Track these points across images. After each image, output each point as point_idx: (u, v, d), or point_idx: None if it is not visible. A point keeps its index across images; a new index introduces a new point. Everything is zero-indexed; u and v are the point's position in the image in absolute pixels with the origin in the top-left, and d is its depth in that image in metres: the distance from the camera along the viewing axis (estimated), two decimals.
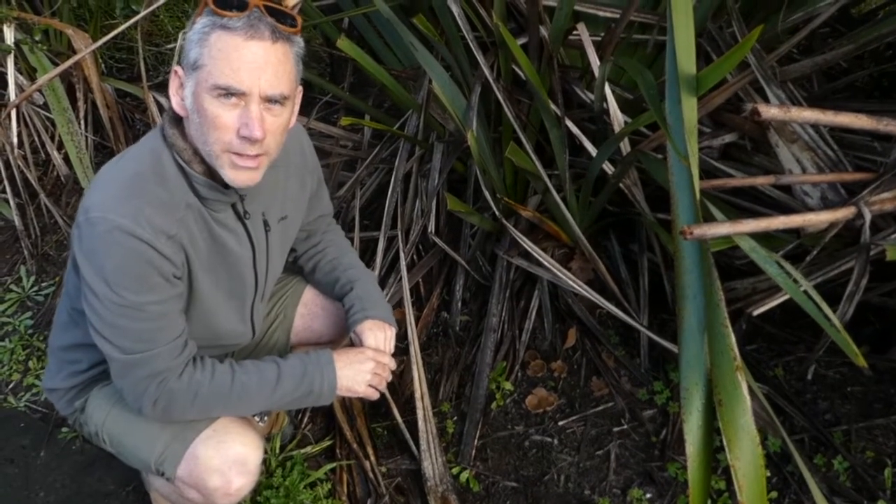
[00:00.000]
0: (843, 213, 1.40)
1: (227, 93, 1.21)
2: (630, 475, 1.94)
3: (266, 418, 2.07)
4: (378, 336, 1.60)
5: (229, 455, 1.43)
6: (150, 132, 1.38)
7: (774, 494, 1.82)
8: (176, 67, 1.28)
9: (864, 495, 1.78)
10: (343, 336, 1.83)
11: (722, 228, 1.28)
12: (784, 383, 2.06)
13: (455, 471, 1.98)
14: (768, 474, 1.85)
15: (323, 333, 1.81)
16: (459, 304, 2.31)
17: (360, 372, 1.51)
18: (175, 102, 1.29)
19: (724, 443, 1.32)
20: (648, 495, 1.88)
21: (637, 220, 2.25)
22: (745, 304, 1.86)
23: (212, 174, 1.32)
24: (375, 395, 1.55)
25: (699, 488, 1.38)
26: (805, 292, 1.26)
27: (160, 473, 1.47)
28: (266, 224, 1.48)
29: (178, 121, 1.31)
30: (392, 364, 1.58)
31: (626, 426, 2.03)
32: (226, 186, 1.33)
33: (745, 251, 1.33)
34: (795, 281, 1.28)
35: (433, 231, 2.33)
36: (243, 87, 1.21)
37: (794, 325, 2.17)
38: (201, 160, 1.30)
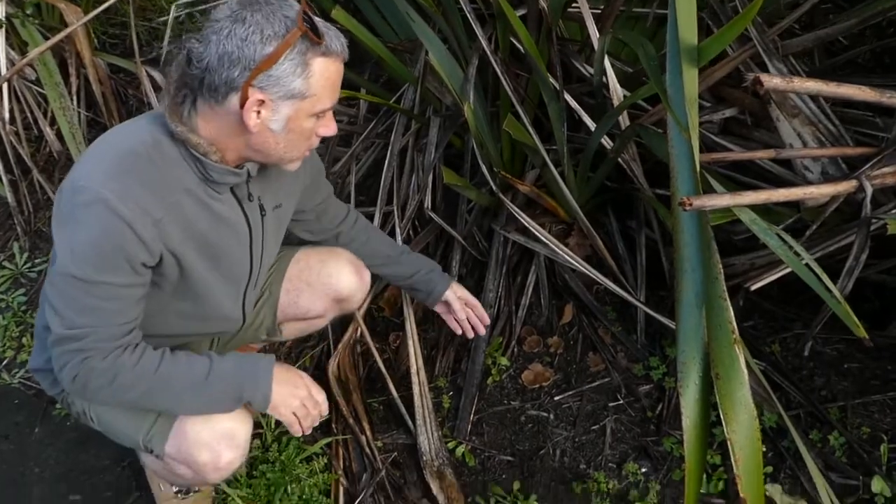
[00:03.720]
0: (845, 187, 1.39)
1: (324, 111, 1.31)
2: (625, 450, 1.94)
3: None
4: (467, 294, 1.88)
5: (217, 429, 1.41)
6: (147, 116, 1.36)
7: (769, 469, 1.82)
8: (260, 95, 1.24)
9: (860, 471, 1.79)
10: (329, 312, 1.82)
11: (722, 200, 1.27)
12: (781, 359, 2.06)
13: (451, 445, 1.98)
14: (764, 449, 1.85)
15: (309, 309, 1.79)
16: (456, 280, 2.29)
17: (291, 396, 1.45)
18: (251, 122, 1.26)
19: (721, 417, 1.32)
20: (644, 469, 1.88)
21: (635, 195, 2.23)
22: (742, 280, 1.85)
23: (224, 160, 1.32)
24: (297, 429, 1.48)
25: (695, 462, 1.37)
26: (806, 265, 1.25)
27: (149, 451, 1.46)
28: (262, 209, 1.47)
29: (180, 117, 1.30)
30: (324, 408, 1.51)
31: (621, 401, 2.03)
32: (238, 167, 1.34)
33: (746, 223, 1.32)
34: (797, 254, 1.27)
35: (429, 206, 2.31)
36: (336, 101, 1.31)
37: (791, 302, 2.16)
38: (216, 150, 1.30)
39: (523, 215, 2.06)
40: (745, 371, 1.31)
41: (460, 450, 1.97)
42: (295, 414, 1.45)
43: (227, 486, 1.86)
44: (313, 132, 1.33)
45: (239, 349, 1.95)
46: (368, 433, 2.01)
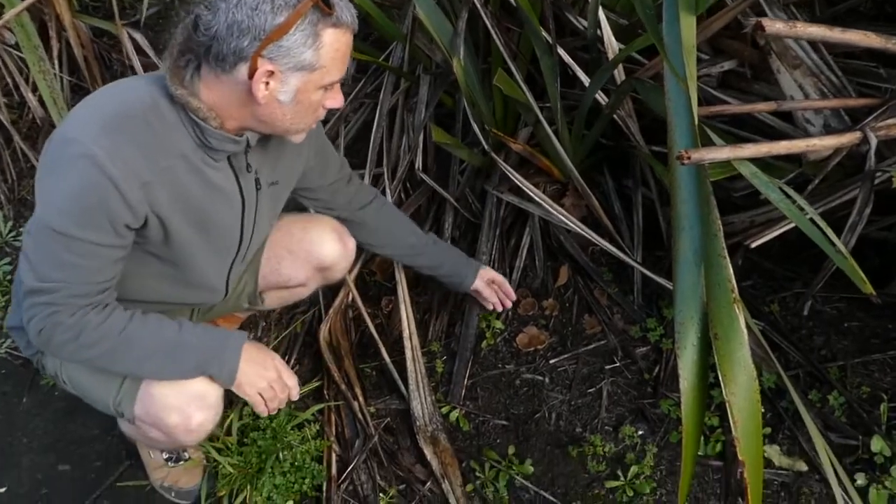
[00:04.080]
0: (849, 139, 1.33)
1: (333, 83, 1.28)
2: (622, 412, 1.91)
3: None
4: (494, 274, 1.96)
5: (186, 391, 1.38)
6: (148, 76, 1.32)
7: (768, 430, 1.80)
8: (270, 66, 1.20)
9: (860, 430, 1.76)
10: (312, 281, 1.77)
11: (721, 153, 1.22)
12: (780, 319, 2.02)
13: (444, 410, 1.95)
14: (762, 410, 1.82)
15: (291, 277, 1.75)
16: (449, 243, 2.24)
17: (258, 376, 1.43)
18: (259, 94, 1.22)
19: (720, 378, 1.28)
20: (640, 432, 1.85)
21: (632, 153, 2.17)
22: (742, 238, 1.81)
23: (223, 126, 1.29)
24: (263, 410, 1.46)
25: (693, 424, 1.34)
26: (810, 220, 1.20)
27: (120, 414, 1.43)
28: (258, 183, 1.44)
29: (181, 80, 1.25)
30: (293, 392, 1.49)
31: (618, 364, 1.99)
32: (238, 135, 1.31)
33: (746, 177, 1.27)
34: (800, 208, 1.22)
35: (420, 168, 2.25)
36: (345, 74, 1.28)
37: (791, 261, 2.12)
38: (215, 116, 1.26)
39: (516, 175, 2.01)
40: (745, 331, 1.27)
41: (454, 415, 1.94)
42: (261, 395, 1.43)
43: (218, 453, 1.84)
44: (320, 104, 1.30)
45: (223, 318, 1.92)
46: (361, 399, 1.98)
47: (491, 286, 1.97)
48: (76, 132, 1.20)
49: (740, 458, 1.28)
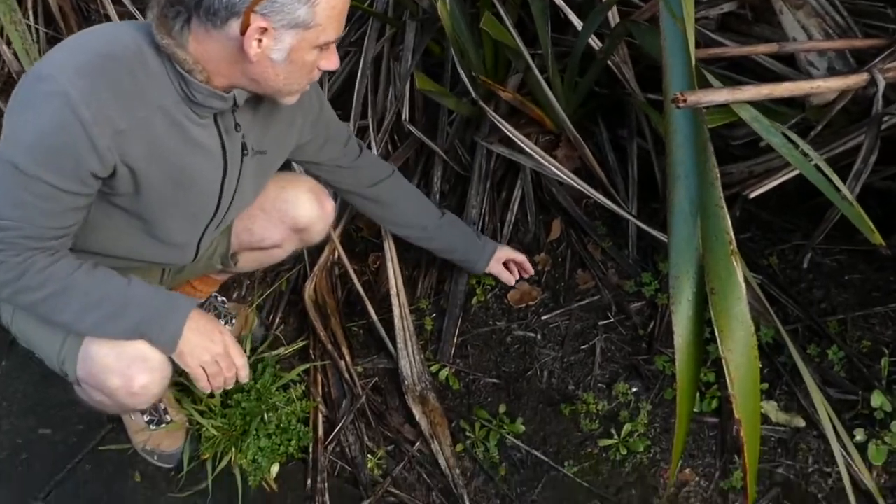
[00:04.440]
0: (855, 80, 1.26)
1: (328, 44, 1.22)
2: (616, 369, 1.86)
3: (234, 321, 1.97)
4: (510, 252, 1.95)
5: (127, 351, 1.31)
6: (135, 22, 1.26)
7: (765, 386, 1.75)
8: (263, 22, 1.13)
9: (860, 385, 1.71)
10: (288, 242, 1.70)
11: (719, 95, 1.14)
12: (778, 272, 1.96)
13: (434, 369, 1.90)
14: (759, 365, 1.77)
15: (264, 237, 1.68)
16: (438, 197, 2.17)
17: (203, 349, 1.34)
18: (251, 51, 1.16)
19: (716, 333, 1.23)
20: (634, 389, 1.81)
21: (626, 102, 2.09)
22: (740, 189, 1.74)
23: (210, 81, 1.22)
24: (204, 385, 1.38)
25: (687, 381, 1.29)
26: (815, 166, 1.13)
27: (65, 375, 1.38)
28: (244, 147, 1.37)
29: (169, 30, 1.18)
30: (242, 374, 1.41)
31: (612, 319, 1.94)
32: (226, 92, 1.24)
33: (746, 121, 1.19)
34: (804, 154, 1.15)
35: (407, 119, 2.17)
36: (341, 34, 1.23)
37: (791, 212, 2.05)
38: (203, 69, 1.20)
39: (506, 125, 1.93)
40: (743, 285, 1.21)
41: (443, 373, 1.89)
42: (205, 370, 1.36)
43: (202, 416, 1.79)
44: (315, 65, 1.25)
45: (200, 280, 1.86)
46: (348, 358, 1.93)
47: (507, 266, 1.97)
48: (52, 70, 1.14)
49: (737, 416, 1.23)
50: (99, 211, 1.30)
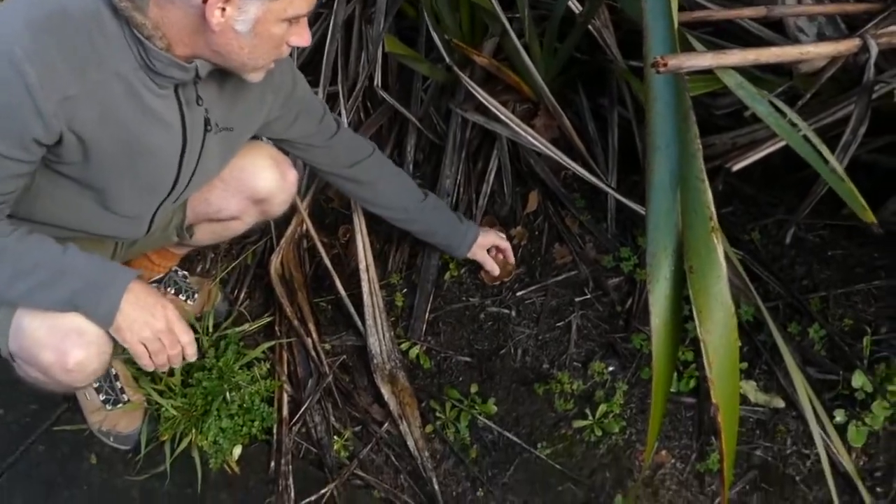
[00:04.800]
0: (847, 46, 1.18)
1: (298, 17, 1.16)
2: (592, 347, 1.80)
3: (196, 296, 1.89)
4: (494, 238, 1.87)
5: (59, 324, 1.21)
6: None
7: (744, 365, 1.70)
8: None
9: (840, 365, 1.66)
10: (247, 214, 1.61)
11: (703, 60, 1.06)
12: (760, 248, 1.90)
13: (404, 346, 1.83)
14: (739, 344, 1.72)
15: (221, 208, 1.58)
16: (411, 167, 2.08)
17: (143, 324, 1.24)
18: (213, 20, 1.09)
19: (695, 314, 1.16)
20: (611, 368, 1.75)
21: (608, 69, 2.01)
22: (723, 161, 1.66)
23: (170, 49, 1.15)
24: (146, 363, 1.28)
25: (664, 363, 1.22)
26: (803, 137, 1.05)
27: None
28: (207, 122, 1.28)
29: None
30: (188, 351, 1.31)
31: (589, 296, 1.87)
32: (189, 61, 1.15)
33: (731, 88, 1.12)
34: (792, 124, 1.08)
35: (380, 85, 2.07)
36: (312, 8, 1.17)
37: (774, 185, 1.98)
38: (163, 36, 1.11)
39: (482, 92, 1.84)
40: (724, 263, 1.14)
41: (414, 351, 1.83)
42: (146, 347, 1.26)
43: (160, 395, 1.72)
44: (283, 40, 1.18)
45: (157, 254, 1.77)
46: (315, 335, 1.85)
47: (491, 253, 1.89)
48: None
49: (714, 400, 1.17)
50: (45, 179, 1.22)
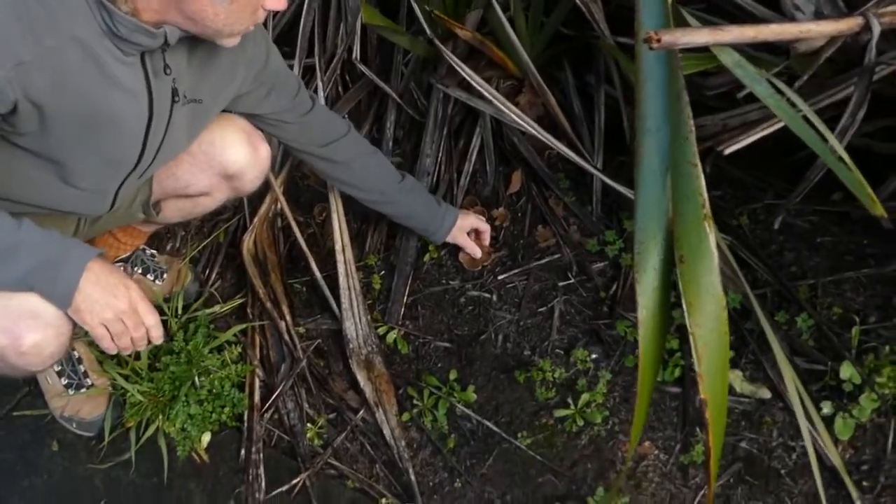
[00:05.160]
0: (848, 24, 1.12)
1: None
2: (575, 334, 1.75)
3: (165, 276, 1.81)
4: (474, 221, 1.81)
5: (13, 306, 1.14)
6: None
7: (731, 354, 1.65)
8: None
9: (828, 355, 1.62)
10: (217, 190, 1.54)
11: (699, 36, 1.00)
12: (749, 233, 1.85)
13: (381, 331, 1.77)
14: (729, 341, 1.67)
15: (190, 183, 1.51)
16: (391, 144, 2.01)
17: (104, 305, 1.16)
18: None
19: (684, 306, 1.11)
20: (594, 356, 1.70)
21: (595, 45, 1.94)
22: (713, 144, 1.60)
23: (137, 14, 1.08)
24: (108, 345, 1.21)
25: (650, 356, 1.17)
26: (804, 119, 0.99)
27: None
28: (175, 93, 1.21)
29: None
30: (154, 333, 1.23)
31: (572, 280, 1.82)
32: (157, 27, 1.08)
33: (728, 67, 1.05)
34: (791, 104, 1.01)
35: (358, 58, 1.99)
36: None
37: (764, 169, 1.93)
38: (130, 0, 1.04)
39: (464, 67, 1.76)
40: (716, 253, 1.08)
41: (392, 336, 1.77)
42: (108, 329, 1.19)
43: (126, 380, 1.65)
44: (259, 4, 1.12)
45: (123, 231, 1.69)
46: (288, 318, 1.79)
47: (470, 236, 1.83)
48: None
49: (703, 395, 1.12)
50: (1, 151, 1.15)
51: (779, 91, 1.02)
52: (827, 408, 1.56)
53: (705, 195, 1.08)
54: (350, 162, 1.62)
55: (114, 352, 1.24)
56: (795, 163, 1.87)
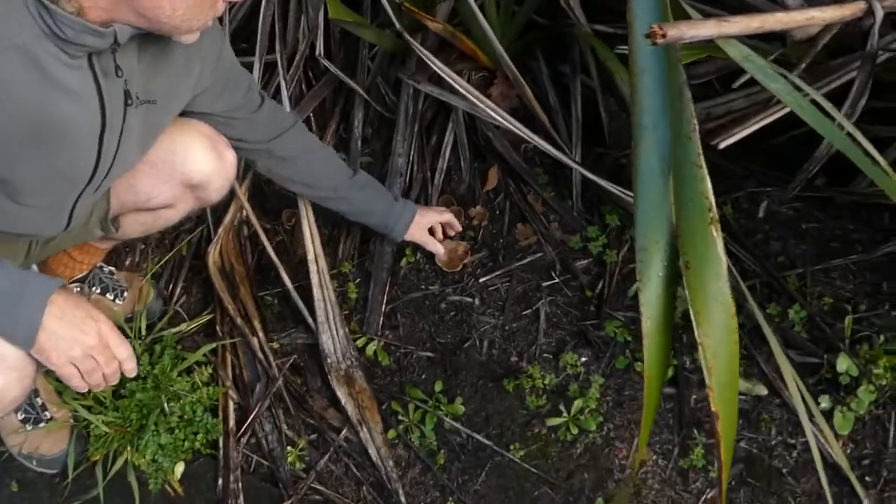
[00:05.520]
0: (852, 10, 1.06)
1: None
2: (562, 336, 1.68)
3: (125, 294, 1.70)
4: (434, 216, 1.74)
5: None
6: None
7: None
8: None
9: (822, 347, 1.59)
10: (181, 202, 1.43)
11: (704, 29, 0.92)
12: (733, 222, 1.80)
13: (360, 343, 1.68)
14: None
15: (151, 195, 1.40)
16: (359, 143, 1.91)
17: (72, 342, 1.05)
18: None
19: (692, 317, 1.05)
20: (584, 359, 1.64)
21: (569, 34, 1.86)
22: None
23: (83, 13, 0.97)
24: (78, 384, 1.10)
25: (656, 371, 1.11)
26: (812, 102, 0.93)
27: None
28: (128, 95, 1.10)
29: None
30: (127, 366, 1.13)
31: (557, 280, 1.75)
32: (105, 27, 0.98)
33: (736, 60, 0.98)
34: (799, 92, 0.95)
35: (322, 53, 1.88)
36: None
37: (744, 156, 1.88)
38: None
39: (436, 61, 1.67)
40: (724, 258, 1.02)
41: (371, 347, 1.68)
42: (77, 366, 1.08)
43: (88, 411, 1.54)
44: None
45: (78, 249, 1.57)
46: (261, 334, 1.69)
47: (433, 231, 1.77)
48: None
49: (713, 409, 1.07)
50: None
51: (799, 88, 0.96)
52: (825, 402, 1.52)
53: (711, 198, 1.02)
54: (296, 157, 1.53)
55: (84, 390, 1.13)
56: (773, 148, 1.83)
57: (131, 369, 1.15)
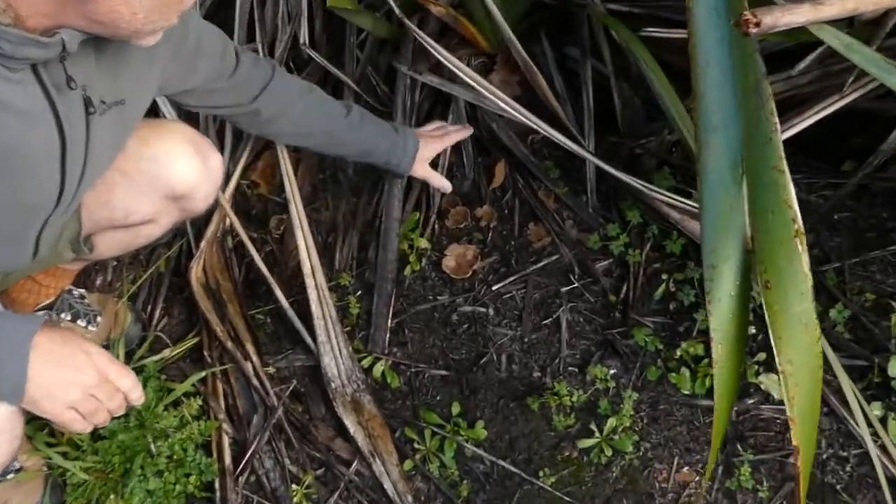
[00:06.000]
0: None
1: None
2: (587, 347, 1.54)
3: (99, 319, 1.52)
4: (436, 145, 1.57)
5: None
6: None
7: (762, 356, 1.48)
8: None
9: (867, 348, 1.47)
10: (164, 215, 1.26)
11: (798, 15, 0.78)
12: None
13: (366, 363, 1.53)
14: (753, 330, 1.51)
15: (130, 211, 1.22)
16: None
17: (68, 385, 0.90)
18: None
19: (772, 341, 0.92)
20: (612, 371, 1.50)
21: (577, 14, 1.71)
22: None
23: (20, 23, 0.81)
24: (81, 427, 0.96)
25: (726, 403, 0.98)
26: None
27: None
28: (89, 104, 0.94)
29: None
30: (133, 396, 0.98)
31: (576, 284, 1.61)
32: (48, 35, 0.83)
33: (837, 49, 0.84)
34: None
35: (306, 42, 1.71)
36: None
37: None
38: (6, 8, 0.80)
39: (437, 47, 1.52)
40: (809, 276, 0.89)
41: (379, 368, 1.52)
42: (77, 409, 0.93)
43: (64, 457, 1.36)
44: None
45: (46, 273, 1.39)
46: (254, 358, 1.52)
47: (437, 173, 1.62)
48: None
49: (794, 442, 0.96)
50: None
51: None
52: (877, 409, 1.41)
53: (796, 207, 0.89)
54: (286, 109, 1.37)
55: (88, 430, 0.98)
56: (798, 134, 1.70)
57: (138, 398, 1.00)
